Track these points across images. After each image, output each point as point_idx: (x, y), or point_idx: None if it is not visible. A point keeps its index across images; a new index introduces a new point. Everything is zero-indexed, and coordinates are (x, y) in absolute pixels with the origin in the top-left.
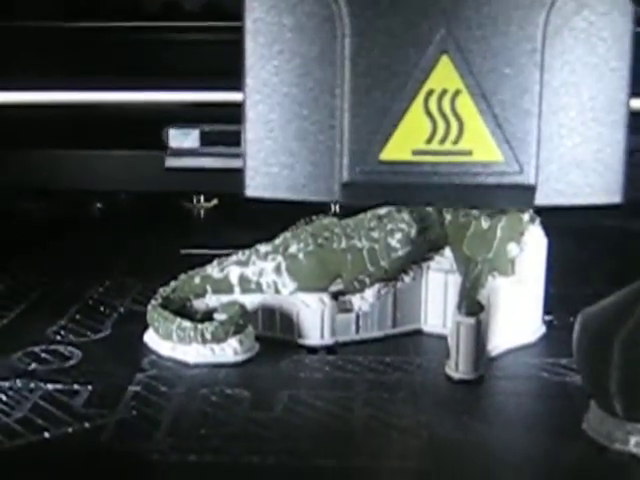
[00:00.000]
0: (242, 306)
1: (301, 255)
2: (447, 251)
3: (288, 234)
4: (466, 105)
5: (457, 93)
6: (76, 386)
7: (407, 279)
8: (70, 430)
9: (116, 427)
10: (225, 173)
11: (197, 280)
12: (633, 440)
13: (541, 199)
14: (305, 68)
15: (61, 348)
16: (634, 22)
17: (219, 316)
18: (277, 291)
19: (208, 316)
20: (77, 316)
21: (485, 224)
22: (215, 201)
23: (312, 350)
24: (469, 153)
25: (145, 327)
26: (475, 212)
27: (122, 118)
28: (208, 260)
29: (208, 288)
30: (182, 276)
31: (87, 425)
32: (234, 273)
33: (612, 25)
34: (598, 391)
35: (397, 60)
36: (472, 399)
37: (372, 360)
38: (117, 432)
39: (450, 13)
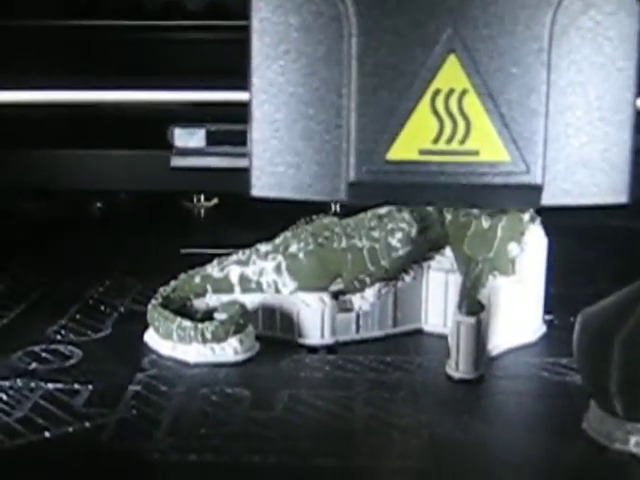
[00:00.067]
0: (242, 306)
1: (301, 255)
2: (448, 251)
3: (288, 233)
4: (473, 105)
5: (464, 93)
6: (76, 385)
7: (407, 279)
8: (70, 429)
9: (116, 426)
10: (228, 172)
11: (197, 280)
12: (633, 440)
13: (548, 199)
14: (311, 68)
15: (61, 347)
16: None
17: (219, 315)
18: (277, 290)
19: (208, 315)
20: (77, 316)
21: (486, 224)
22: (215, 200)
23: (312, 350)
24: (476, 153)
25: (145, 327)
26: (475, 212)
27: (124, 118)
28: (208, 260)
29: (208, 288)
30: (182, 276)
31: (87, 424)
32: (234, 272)
33: (619, 25)
34: (598, 391)
35: (404, 59)
36: (472, 398)
37: (372, 359)
38: (117, 431)
39: (457, 12)
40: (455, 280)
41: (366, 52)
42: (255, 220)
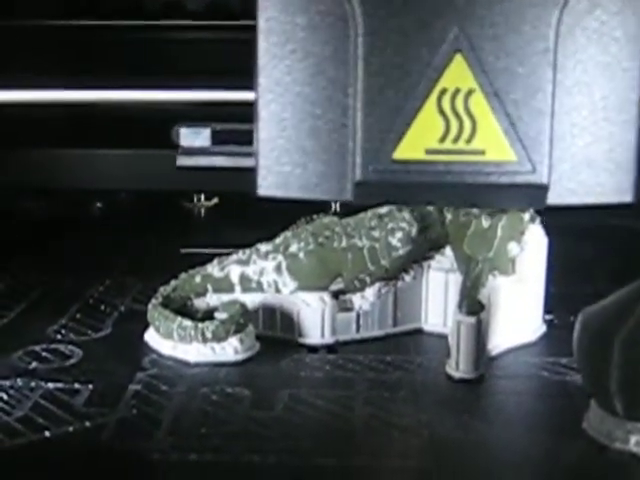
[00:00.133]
0: (243, 305)
1: (302, 254)
2: (448, 250)
3: (289, 233)
4: (479, 104)
5: (470, 92)
6: (77, 385)
7: (408, 278)
8: (71, 429)
9: (117, 426)
10: (232, 172)
11: (198, 279)
12: (633, 439)
13: (553, 198)
14: (318, 67)
15: (62, 347)
16: None
17: (220, 315)
18: (278, 290)
19: (209, 315)
20: (78, 315)
21: (486, 223)
22: (215, 200)
23: (313, 349)
24: (482, 152)
25: (146, 326)
26: (475, 211)
27: (126, 117)
28: (208, 259)
29: (209, 287)
30: (183, 275)
31: (88, 424)
32: (235, 272)
33: (624, 25)
34: (598, 390)
35: (410, 59)
36: (472, 398)
37: (373, 359)
38: (118, 431)
39: (463, 12)
40: (455, 280)
41: (372, 52)
42: (255, 220)
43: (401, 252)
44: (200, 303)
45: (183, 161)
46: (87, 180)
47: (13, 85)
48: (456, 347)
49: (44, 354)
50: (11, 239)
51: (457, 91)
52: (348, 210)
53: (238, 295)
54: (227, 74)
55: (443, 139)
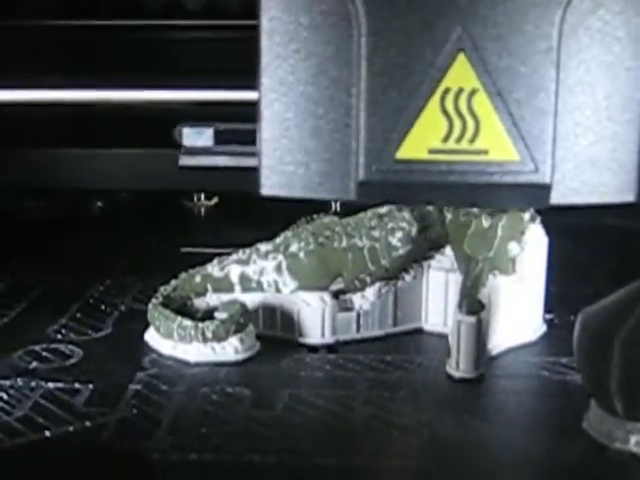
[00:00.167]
0: (243, 305)
1: (302, 254)
2: (448, 250)
3: (289, 233)
4: (482, 104)
5: (473, 92)
6: (77, 385)
7: (408, 278)
8: (71, 429)
9: (117, 426)
10: (235, 171)
11: (198, 279)
12: (633, 439)
13: (556, 198)
14: (321, 67)
15: (62, 347)
16: None
17: (220, 315)
18: (278, 290)
19: (209, 315)
20: (78, 315)
21: (486, 223)
22: (215, 199)
23: (313, 349)
24: (485, 152)
25: (146, 326)
26: (476, 211)
27: (126, 117)
28: (208, 259)
29: (209, 287)
30: (183, 275)
31: (88, 424)
32: (235, 272)
33: (627, 25)
34: (598, 390)
35: (413, 59)
36: (473, 398)
37: (373, 359)
38: (118, 431)
39: (466, 12)
40: (455, 279)
41: (375, 52)
42: (255, 219)
43: (401, 252)
44: (200, 303)
45: (186, 161)
46: (88, 180)
47: (13, 85)
48: (456, 347)
49: (44, 354)
50: (11, 239)
51: (460, 91)
52: (348, 210)
53: (238, 295)
54: (230, 74)
55: (446, 139)
